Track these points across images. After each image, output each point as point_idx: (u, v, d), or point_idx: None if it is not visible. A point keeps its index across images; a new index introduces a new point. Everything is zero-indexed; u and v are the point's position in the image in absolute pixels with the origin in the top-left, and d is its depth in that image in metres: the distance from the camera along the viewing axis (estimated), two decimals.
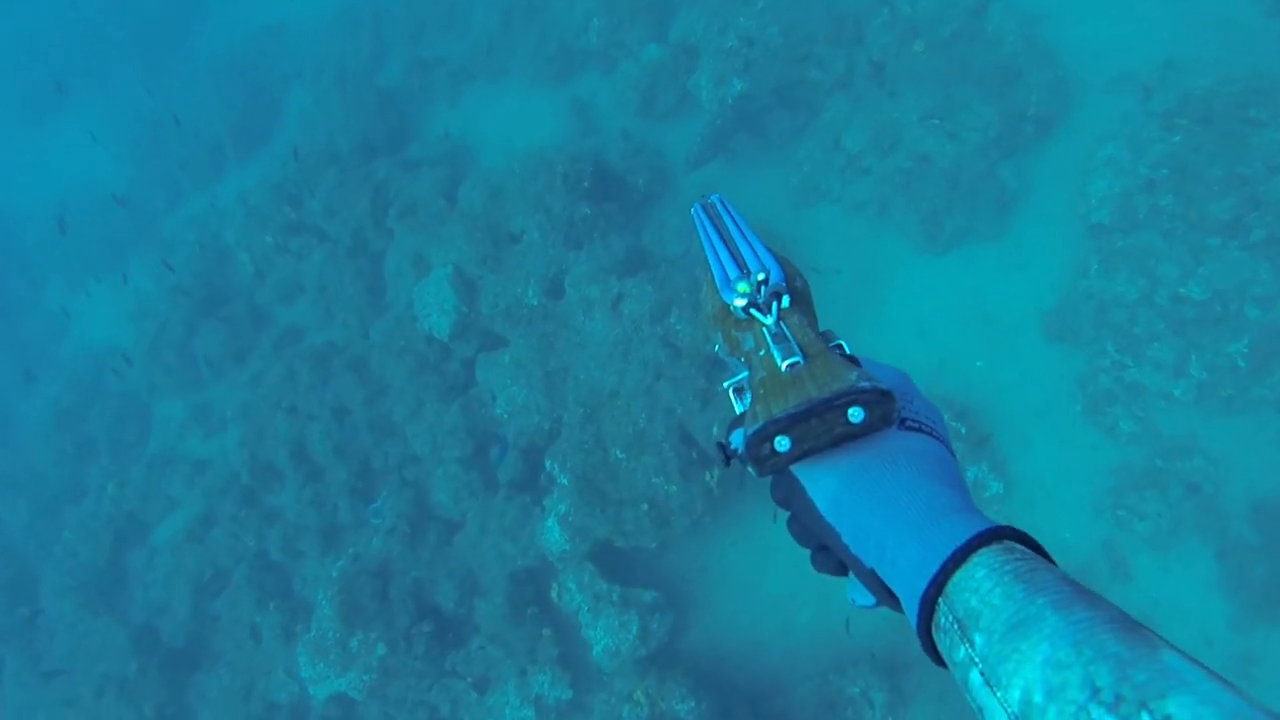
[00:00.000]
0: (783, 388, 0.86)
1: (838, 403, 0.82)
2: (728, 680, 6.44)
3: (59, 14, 13.22)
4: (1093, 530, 6.39)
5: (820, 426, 0.83)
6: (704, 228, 1.05)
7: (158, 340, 9.16)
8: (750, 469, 0.87)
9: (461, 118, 9.89)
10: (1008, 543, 0.72)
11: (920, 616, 0.73)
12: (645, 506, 6.49)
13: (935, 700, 6.02)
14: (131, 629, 7.54)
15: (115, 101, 12.62)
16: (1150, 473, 6.31)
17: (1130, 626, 0.61)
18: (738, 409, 0.97)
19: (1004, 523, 0.74)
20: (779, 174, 8.19)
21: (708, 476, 6.56)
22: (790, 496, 0.90)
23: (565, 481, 6.81)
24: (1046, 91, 7.44)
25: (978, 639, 0.66)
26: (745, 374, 0.95)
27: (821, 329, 0.97)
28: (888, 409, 0.83)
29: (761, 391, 0.88)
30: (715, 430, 6.47)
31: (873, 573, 0.81)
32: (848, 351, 0.94)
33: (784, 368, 0.87)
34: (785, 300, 0.95)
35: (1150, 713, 0.53)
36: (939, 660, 0.74)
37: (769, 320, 0.93)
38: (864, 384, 0.83)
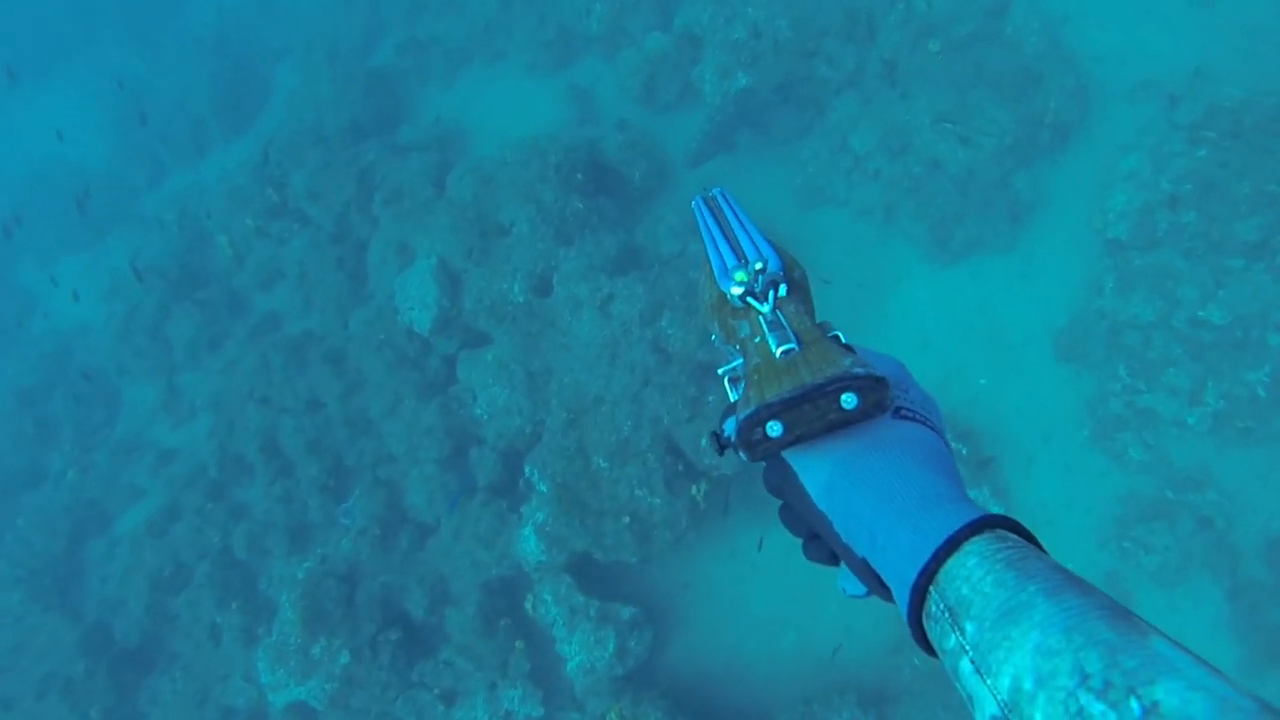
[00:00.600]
0: (777, 373, 0.85)
1: (831, 388, 0.82)
2: (706, 703, 6.15)
3: None
4: (1096, 562, 6.08)
5: (813, 412, 0.82)
6: (704, 219, 1.05)
7: (128, 322, 8.78)
8: (742, 455, 0.86)
9: (455, 101, 9.51)
10: (1000, 531, 0.71)
11: (911, 604, 0.72)
12: (627, 519, 6.16)
13: None
14: (83, 626, 7.19)
15: (100, 73, 12.21)
16: (1159, 504, 5.99)
17: (1121, 614, 0.60)
18: (732, 397, 0.96)
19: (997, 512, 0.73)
20: (782, 173, 7.83)
21: (694, 490, 6.23)
22: (783, 483, 0.89)
23: (544, 489, 6.47)
24: (1066, 98, 7.09)
25: (968, 627, 0.66)
26: (740, 362, 0.95)
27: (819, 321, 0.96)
28: (881, 396, 0.83)
29: (755, 377, 0.87)
30: (704, 442, 6.13)
31: (864, 561, 0.80)
32: (844, 341, 0.92)
33: (779, 354, 0.87)
34: (782, 289, 0.95)
35: (1139, 698, 0.53)
36: (929, 649, 0.73)
37: (765, 308, 0.94)
38: (858, 370, 0.82)
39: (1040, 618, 0.61)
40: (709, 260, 1.01)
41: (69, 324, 9.78)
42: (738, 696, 6.22)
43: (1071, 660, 0.57)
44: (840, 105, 7.74)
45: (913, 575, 0.71)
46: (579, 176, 7.41)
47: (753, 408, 0.83)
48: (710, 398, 6.28)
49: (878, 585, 0.81)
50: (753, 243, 0.99)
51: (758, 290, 0.94)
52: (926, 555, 0.71)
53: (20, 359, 9.66)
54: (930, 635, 0.71)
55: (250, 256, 8.97)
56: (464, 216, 7.45)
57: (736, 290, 0.95)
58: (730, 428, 0.91)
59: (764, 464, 0.91)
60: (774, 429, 0.83)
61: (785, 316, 0.92)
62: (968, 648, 0.65)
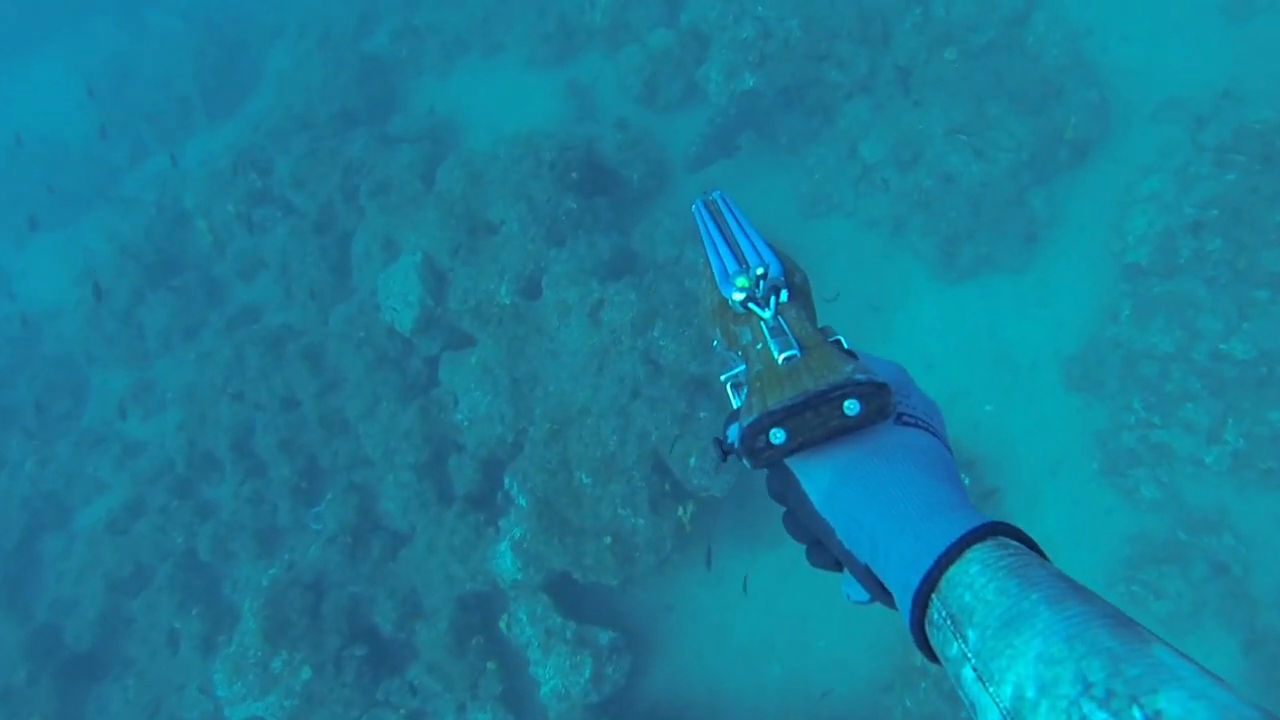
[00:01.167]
0: (779, 380, 0.85)
1: (833, 395, 0.81)
2: None
3: None
4: None
5: (815, 419, 0.82)
6: (704, 223, 1.05)
7: (99, 306, 8.40)
8: (745, 462, 0.85)
9: (450, 92, 9.15)
10: (1002, 538, 0.71)
11: (913, 612, 0.71)
12: (609, 540, 5.82)
13: None
14: (30, 628, 6.81)
15: (87, 46, 11.82)
16: (1172, 546, 5.67)
17: (1124, 622, 0.60)
18: (735, 404, 0.95)
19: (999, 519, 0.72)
20: (787, 180, 7.50)
21: (680, 512, 5.90)
22: (785, 490, 0.89)
23: (524, 503, 6.13)
24: (1087, 113, 6.77)
25: (971, 634, 0.65)
26: (742, 368, 0.95)
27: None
28: (884, 402, 0.82)
29: (758, 384, 0.87)
30: (692, 461, 5.80)
31: (866, 568, 0.79)
32: (846, 346, 0.92)
33: (780, 361, 0.87)
34: (783, 295, 0.95)
35: (1141, 707, 0.52)
36: (932, 656, 0.72)
37: (766, 314, 0.93)
38: (860, 376, 0.82)
39: (1043, 626, 0.60)
40: (710, 265, 1.00)
41: (37, 307, 9.40)
42: None
43: (1074, 669, 0.57)
44: (850, 111, 7.41)
45: (915, 582, 0.71)
46: (574, 175, 7.07)
47: (755, 415, 0.83)
48: (702, 414, 5.95)
49: (880, 592, 0.80)
50: (754, 247, 0.98)
51: (759, 296, 0.94)
52: (929, 562, 0.70)
53: None
54: (933, 643, 0.71)
55: (231, 244, 8.61)
56: (452, 212, 7.10)
57: (738, 296, 0.94)
58: (734, 434, 0.90)
59: (765, 472, 0.91)
60: (777, 436, 0.83)
61: (787, 322, 0.92)
62: (970, 655, 0.64)
